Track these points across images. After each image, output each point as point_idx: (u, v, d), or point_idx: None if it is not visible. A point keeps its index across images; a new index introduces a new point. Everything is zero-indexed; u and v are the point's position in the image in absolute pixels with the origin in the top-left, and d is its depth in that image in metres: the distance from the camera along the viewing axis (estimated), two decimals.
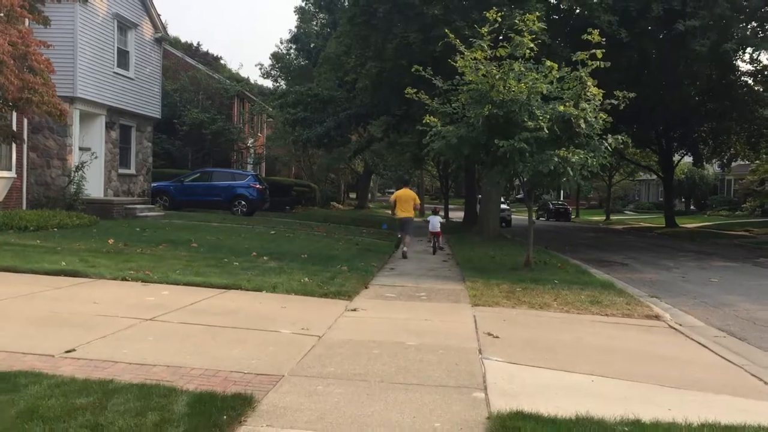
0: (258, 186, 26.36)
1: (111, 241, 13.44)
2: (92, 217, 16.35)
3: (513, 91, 13.06)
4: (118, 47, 20.35)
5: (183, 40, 68.26)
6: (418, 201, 17.48)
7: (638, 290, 12.89)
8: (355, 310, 8.77)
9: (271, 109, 40.04)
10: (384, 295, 10.24)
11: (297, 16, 51.14)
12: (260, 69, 56.11)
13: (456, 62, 13.45)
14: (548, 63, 13.00)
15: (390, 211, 18.43)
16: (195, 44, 69.87)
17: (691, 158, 42.56)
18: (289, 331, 7.16)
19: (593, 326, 8.77)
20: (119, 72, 20.47)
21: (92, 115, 19.52)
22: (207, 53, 66.95)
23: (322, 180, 58.74)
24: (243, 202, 25.94)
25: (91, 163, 18.39)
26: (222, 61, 65.86)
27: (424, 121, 13.41)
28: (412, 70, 14.29)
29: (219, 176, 26.74)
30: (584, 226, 45.40)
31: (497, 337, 7.56)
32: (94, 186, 19.52)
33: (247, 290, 9.56)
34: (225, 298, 8.91)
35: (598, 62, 12.87)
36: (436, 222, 18.74)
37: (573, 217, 56.52)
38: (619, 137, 13.18)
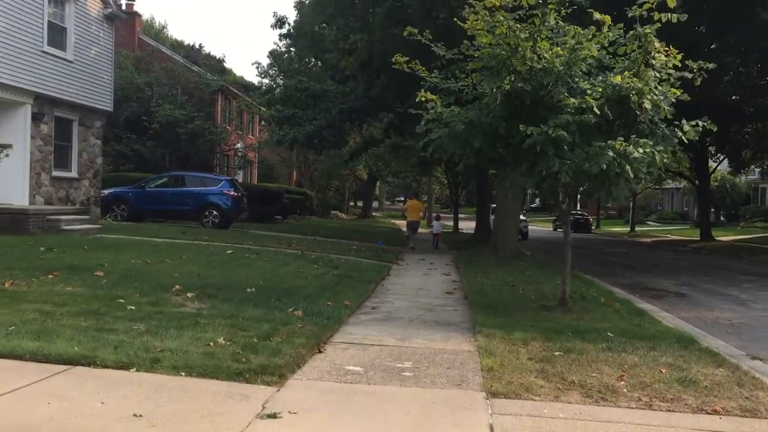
0: (233, 193, 22.47)
1: None
2: None
3: (545, 57, 9.11)
4: (49, 21, 16.53)
5: (186, 42, 65.00)
6: (424, 208, 26.45)
7: (723, 343, 8.89)
8: (274, 416, 4.82)
9: (263, 109, 36.26)
10: (343, 370, 6.27)
11: (296, 10, 47.37)
12: (257, 68, 51.88)
13: (466, 20, 9.47)
14: (597, 15, 8.99)
15: (403, 215, 25.62)
16: (197, 45, 66.53)
17: (728, 164, 38.42)
18: None
19: None
20: (51, 52, 16.65)
21: (12, 104, 15.70)
22: (209, 55, 63.61)
23: (324, 187, 54.92)
24: (215, 212, 22.06)
25: (0, 162, 14.51)
26: (225, 64, 62.46)
27: (417, 100, 9.45)
28: (405, 33, 10.36)
29: (188, 181, 22.87)
30: (608, 238, 41.30)
31: None
32: (15, 191, 15.70)
33: (105, 367, 5.65)
34: (41, 392, 4.98)
35: (669, 15, 8.85)
36: (438, 226, 24.38)
37: (593, 228, 52.27)
38: (700, 123, 9.15)
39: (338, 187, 65.06)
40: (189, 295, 8.98)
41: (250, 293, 9.56)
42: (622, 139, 8.64)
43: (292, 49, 47.32)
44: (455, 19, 10.17)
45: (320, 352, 6.88)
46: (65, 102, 17.52)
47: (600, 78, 9.07)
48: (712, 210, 55.86)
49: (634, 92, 8.78)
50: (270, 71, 52.30)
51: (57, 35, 17.05)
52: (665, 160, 8.94)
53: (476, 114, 9.27)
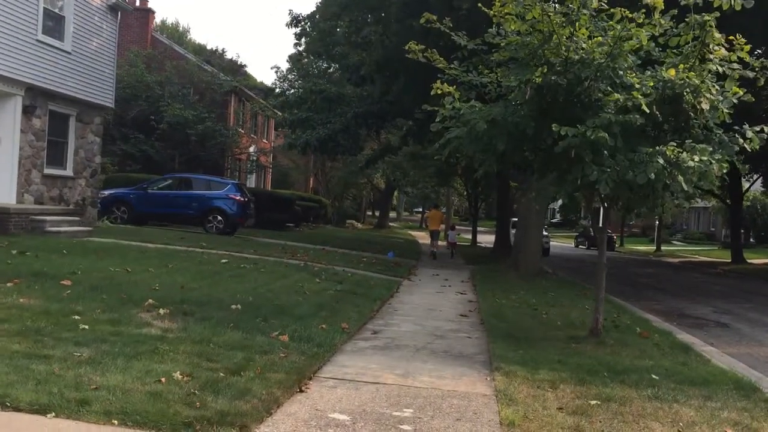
0: (239, 198, 21.28)
1: None
2: None
3: (583, 47, 7.81)
4: (45, 8, 15.47)
5: (209, 47, 64.20)
6: (443, 218, 28.51)
7: None
8: None
9: (278, 113, 35.16)
10: (326, 419, 4.98)
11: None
12: (276, 72, 50.95)
13: (492, 5, 8.18)
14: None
15: (425, 225, 29.50)
16: (220, 50, 65.72)
17: (761, 183, 36.69)
18: None
19: None
20: (46, 41, 15.58)
21: (0, 95, 14.65)
22: (231, 60, 62.92)
23: (340, 195, 53.76)
24: (219, 217, 20.88)
25: None
26: (246, 69, 61.59)
27: (432, 93, 8.18)
28: (422, 21, 9.14)
29: (193, 184, 21.74)
30: (633, 258, 39.61)
31: None
32: (2, 189, 14.60)
33: (17, 409, 4.42)
34: None
35: (732, 1, 7.50)
36: (453, 235, 26.98)
37: (617, 246, 50.44)
38: (766, 129, 7.77)
39: (355, 196, 63.95)
40: (161, 311, 7.74)
41: (234, 311, 8.32)
42: (675, 144, 7.30)
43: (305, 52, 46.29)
44: (480, 5, 8.92)
45: (301, 391, 5.60)
46: (61, 95, 16.45)
47: (648, 72, 7.75)
48: (742, 231, 53.86)
49: (689, 90, 7.45)
50: (289, 76, 51.36)
51: (54, 24, 16.00)
52: (724, 169, 7.58)
53: (501, 111, 7.98)
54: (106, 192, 20.69)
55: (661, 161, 7.11)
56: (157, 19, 63.35)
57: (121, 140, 26.40)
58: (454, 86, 8.19)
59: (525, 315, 10.99)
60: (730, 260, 34.67)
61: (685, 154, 7.19)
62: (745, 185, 38.17)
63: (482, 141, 8.09)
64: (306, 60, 42.56)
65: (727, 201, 36.01)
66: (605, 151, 7.45)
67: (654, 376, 6.96)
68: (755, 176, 36.66)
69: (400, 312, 10.59)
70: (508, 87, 8.32)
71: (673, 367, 7.66)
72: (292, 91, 38.58)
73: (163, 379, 5.15)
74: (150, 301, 8.14)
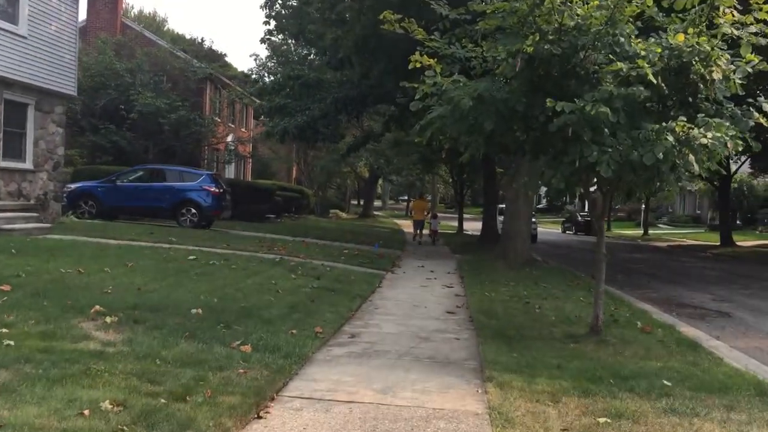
0: (214, 189, 20.27)
1: None
2: None
3: (578, 14, 6.94)
4: None
5: (189, 37, 62.58)
6: (428, 207, 30.14)
7: None
8: None
9: (257, 101, 34.03)
10: None
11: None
12: (255, 60, 49.77)
13: None
14: None
15: (410, 213, 30.77)
16: (199, 39, 64.05)
17: (749, 165, 36.11)
18: None
19: None
20: None
21: None
22: (210, 49, 61.37)
23: (323, 185, 52.73)
24: (192, 210, 19.87)
25: None
26: (227, 58, 60.20)
27: (410, 66, 7.28)
28: None
29: (164, 175, 20.70)
30: (622, 242, 38.96)
31: None
32: None
33: None
34: None
35: None
36: (435, 224, 27.53)
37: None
38: None
39: (339, 185, 62.97)
40: (108, 320, 6.83)
41: (193, 316, 7.44)
42: (684, 119, 6.46)
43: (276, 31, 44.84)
44: None
45: (259, 417, 4.72)
46: (17, 83, 15.36)
47: (653, 39, 6.89)
48: (729, 213, 53.43)
49: (698, 59, 6.60)
50: (269, 63, 50.13)
51: (7, 6, 14.89)
52: (739, 145, 6.77)
53: (488, 87, 7.10)
54: (73, 186, 19.64)
55: (670, 139, 6.27)
56: (135, 10, 61.92)
57: (90, 131, 25.27)
58: (435, 59, 7.29)
59: (516, 310, 10.18)
60: (718, 243, 34.11)
61: (696, 130, 6.36)
62: (732, 167, 37.61)
63: (468, 120, 7.22)
64: (284, 47, 41.38)
65: (715, 183, 35.41)
66: (606, 129, 6.61)
67: (666, 382, 6.17)
68: (743, 157, 36.00)
69: (381, 310, 9.73)
70: (496, 60, 7.43)
71: (684, 368, 6.87)
72: (272, 78, 37.39)
73: (86, 411, 4.26)
74: (97, 307, 7.22)
